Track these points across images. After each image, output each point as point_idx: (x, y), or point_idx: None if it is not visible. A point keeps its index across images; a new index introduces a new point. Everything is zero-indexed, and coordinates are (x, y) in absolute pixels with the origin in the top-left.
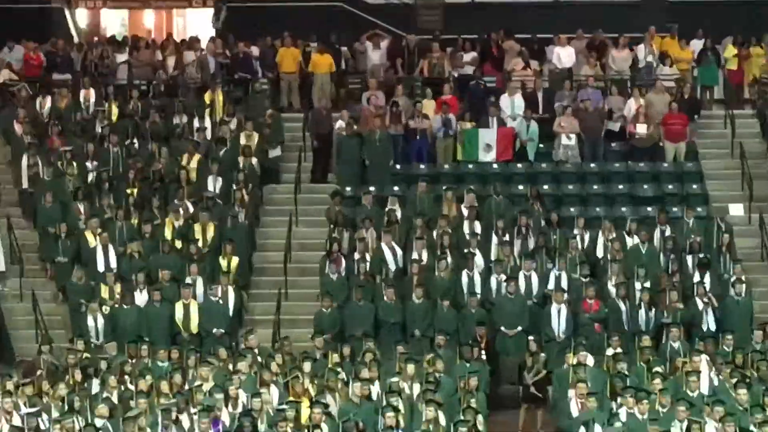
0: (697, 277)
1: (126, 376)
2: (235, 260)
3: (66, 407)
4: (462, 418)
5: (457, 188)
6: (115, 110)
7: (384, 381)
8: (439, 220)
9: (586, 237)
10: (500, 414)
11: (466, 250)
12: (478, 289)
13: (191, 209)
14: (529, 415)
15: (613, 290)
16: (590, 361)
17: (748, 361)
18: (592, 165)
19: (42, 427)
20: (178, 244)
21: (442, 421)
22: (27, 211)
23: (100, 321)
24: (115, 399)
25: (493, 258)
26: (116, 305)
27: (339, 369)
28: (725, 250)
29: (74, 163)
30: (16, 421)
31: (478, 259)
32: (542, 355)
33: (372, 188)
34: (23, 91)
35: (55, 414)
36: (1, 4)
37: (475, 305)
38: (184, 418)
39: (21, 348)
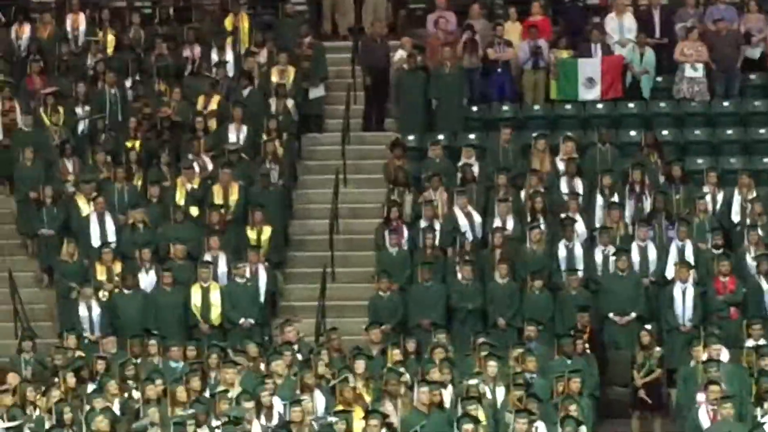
0: None
1: (130, 381)
2: (266, 231)
3: (54, 420)
4: (560, 430)
5: (550, 135)
6: (111, 40)
7: (459, 384)
8: (528, 176)
9: (719, 196)
10: (609, 424)
11: (563, 215)
12: (579, 266)
13: (209, 166)
14: (643, 425)
15: (753, 265)
16: (725, 355)
17: None
18: (725, 104)
19: None
20: (194, 211)
21: None
22: (1, 171)
23: (96, 310)
24: (116, 409)
25: (598, 224)
26: (116, 290)
27: (401, 369)
28: None
29: (60, 110)
30: None
31: (579, 227)
32: (657, 349)
33: (441, 137)
34: None
35: (42, 428)
36: None
37: (576, 286)
38: None
39: None
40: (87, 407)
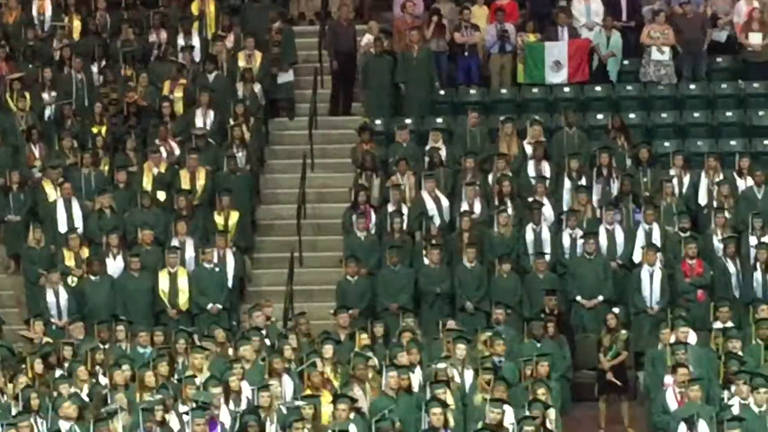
0: None
1: (97, 366)
2: (234, 216)
3: (21, 406)
4: (528, 413)
5: (518, 119)
6: (77, 25)
7: (427, 368)
8: (496, 160)
9: (685, 179)
10: (577, 407)
11: (530, 199)
12: (547, 249)
13: (176, 151)
14: (610, 409)
15: (720, 247)
16: (692, 338)
17: None
18: (692, 86)
19: None
20: (161, 196)
21: (510, 418)
22: None
23: (63, 296)
24: (84, 395)
25: (565, 208)
26: (83, 276)
27: (369, 353)
28: None
29: (26, 95)
30: None
31: (547, 210)
32: (623, 332)
33: (409, 121)
34: None
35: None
36: None
37: (544, 269)
38: (173, 419)
39: None
40: (54, 393)
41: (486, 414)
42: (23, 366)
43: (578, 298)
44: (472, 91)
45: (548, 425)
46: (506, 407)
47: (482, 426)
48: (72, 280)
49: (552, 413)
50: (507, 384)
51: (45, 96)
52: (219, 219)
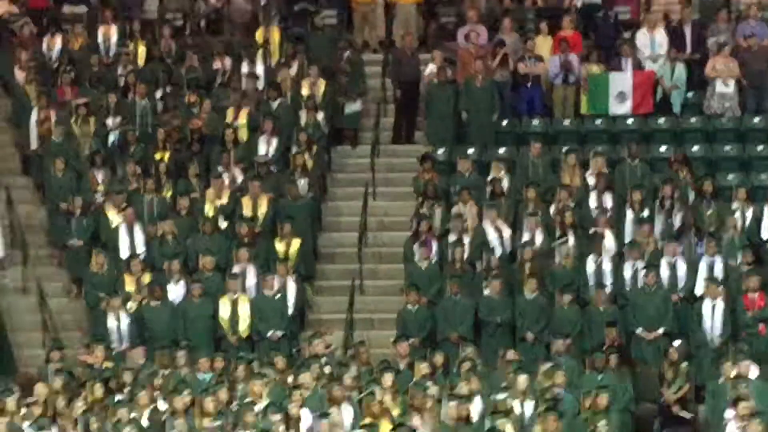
0: None
1: (157, 392)
2: (295, 243)
3: (81, 430)
4: None
5: (580, 150)
6: (142, 52)
7: (487, 398)
8: (558, 191)
9: (748, 212)
10: None
11: (592, 230)
12: (608, 281)
13: (239, 178)
14: None
15: None
16: (754, 372)
17: None
18: (756, 119)
19: None
20: (223, 223)
21: None
22: (33, 181)
23: (124, 321)
24: (144, 421)
25: (627, 240)
26: (144, 301)
27: (429, 382)
28: None
29: (91, 120)
30: None
31: (609, 242)
32: (684, 364)
33: (471, 150)
34: (26, 28)
35: None
36: None
37: (605, 301)
38: None
39: (24, 355)
40: (114, 418)
41: None
42: (83, 390)
43: (639, 330)
44: (535, 122)
45: None
46: None
47: None
48: (130, 306)
49: None
50: (559, 415)
51: (109, 122)
52: (280, 246)
